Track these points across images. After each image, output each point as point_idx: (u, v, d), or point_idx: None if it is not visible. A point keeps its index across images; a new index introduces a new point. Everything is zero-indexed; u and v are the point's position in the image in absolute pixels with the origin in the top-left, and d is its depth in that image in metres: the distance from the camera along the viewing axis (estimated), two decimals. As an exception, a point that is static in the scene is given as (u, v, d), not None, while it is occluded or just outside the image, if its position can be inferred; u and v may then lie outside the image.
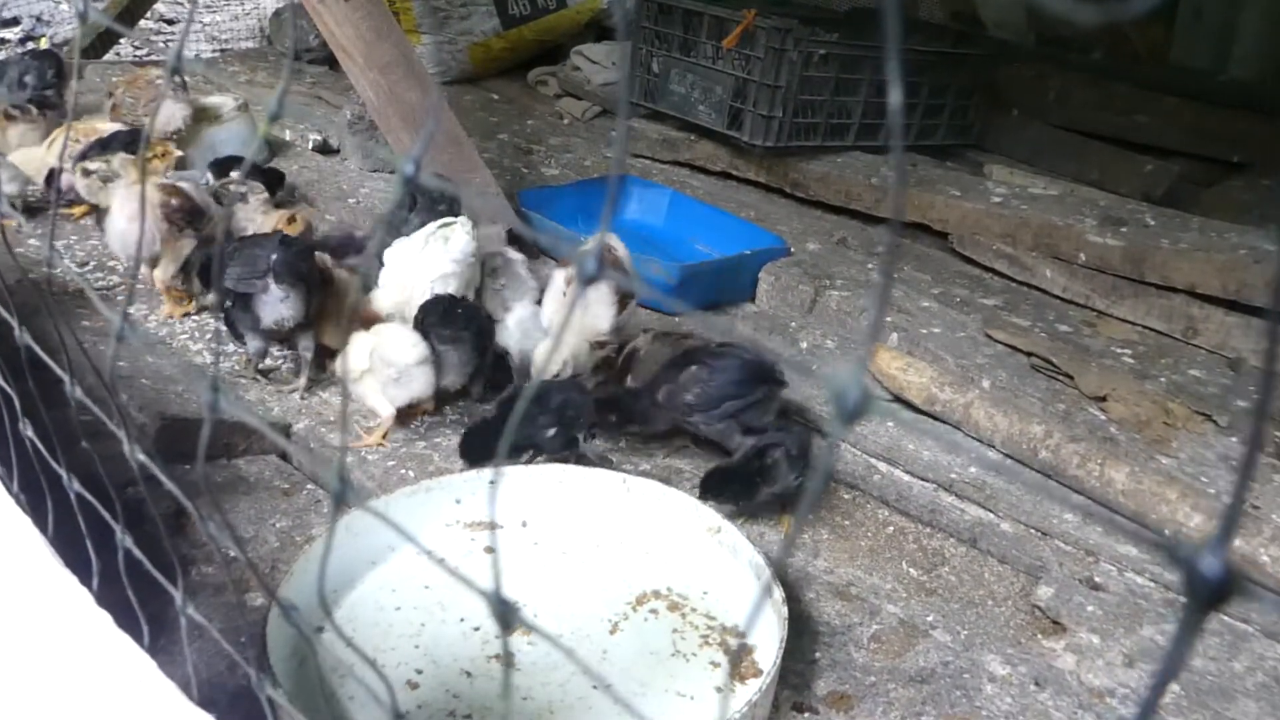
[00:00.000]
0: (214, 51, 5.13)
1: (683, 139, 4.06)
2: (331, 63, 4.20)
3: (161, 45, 5.65)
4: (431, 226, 2.58)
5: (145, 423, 2.14)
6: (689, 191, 3.75)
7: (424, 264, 2.46)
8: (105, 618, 0.64)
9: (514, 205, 3.25)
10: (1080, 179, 3.88)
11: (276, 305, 2.32)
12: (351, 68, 3.09)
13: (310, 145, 3.80)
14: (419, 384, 2.25)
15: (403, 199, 2.74)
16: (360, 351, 2.26)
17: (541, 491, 2.04)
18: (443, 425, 2.35)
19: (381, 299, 2.43)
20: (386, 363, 2.22)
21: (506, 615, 0.40)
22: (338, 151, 3.80)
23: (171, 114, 3.27)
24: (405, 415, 2.32)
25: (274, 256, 2.30)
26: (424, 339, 2.26)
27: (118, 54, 5.00)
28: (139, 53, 5.23)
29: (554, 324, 2.45)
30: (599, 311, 2.42)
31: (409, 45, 3.18)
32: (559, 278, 2.51)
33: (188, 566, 1.82)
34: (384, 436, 2.23)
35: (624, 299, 2.48)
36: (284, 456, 2.28)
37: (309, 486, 2.15)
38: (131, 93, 3.34)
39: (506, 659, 0.40)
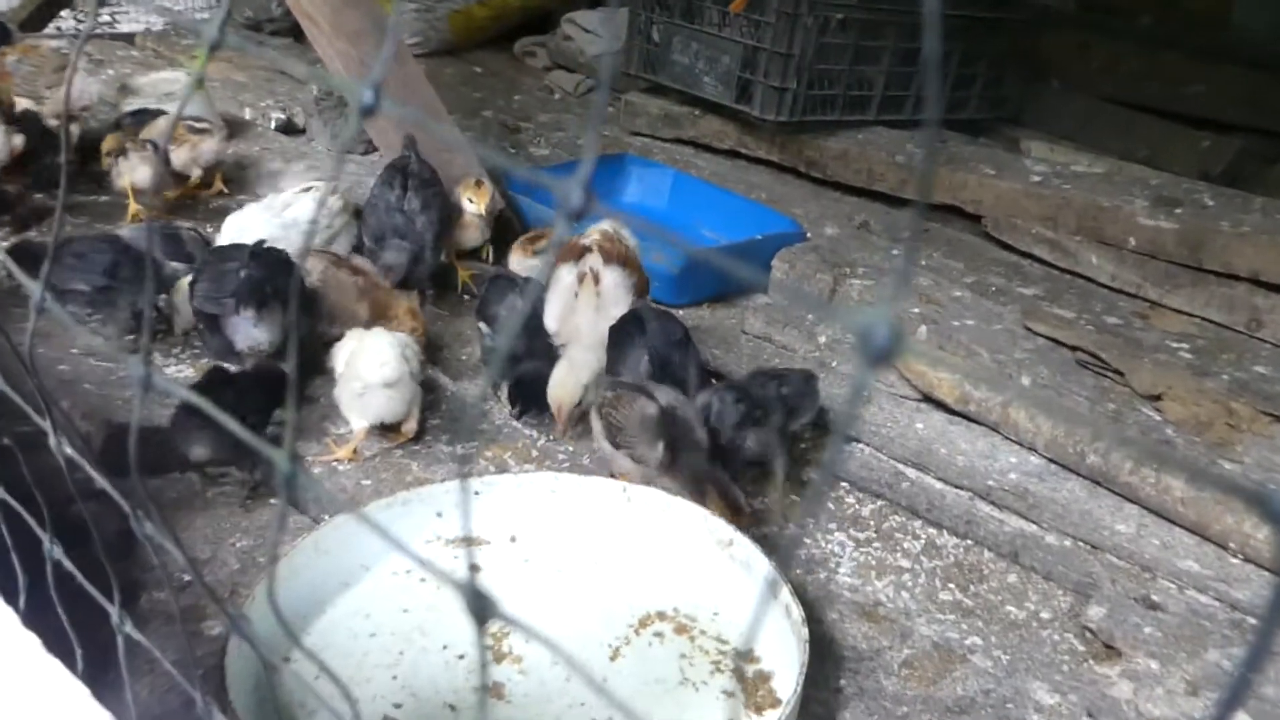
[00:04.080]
0: (165, 24, 5.12)
1: (686, 114, 4.04)
2: (297, 34, 4.18)
3: (108, 18, 5.63)
4: (289, 194, 2.78)
5: (90, 431, 2.12)
6: (694, 172, 3.74)
7: (258, 228, 2.57)
8: (33, 640, 0.62)
9: (500, 188, 3.23)
10: (1129, 156, 3.87)
11: (248, 329, 2.28)
12: (318, 37, 3.07)
13: (273, 125, 3.79)
14: (379, 406, 2.18)
15: (391, 180, 2.77)
16: (341, 354, 2.24)
17: (532, 502, 2.02)
18: (422, 430, 2.33)
19: None
20: (355, 374, 2.18)
21: (482, 608, 0.38)
22: (303, 132, 3.79)
23: (83, 89, 3.26)
24: (388, 433, 2.29)
25: (242, 273, 2.27)
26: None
27: (59, 28, 4.98)
28: (81, 26, 5.22)
29: (563, 330, 2.39)
30: (616, 308, 2.36)
31: (381, 12, 3.17)
32: (567, 276, 2.43)
33: (137, 592, 1.80)
34: (354, 452, 2.21)
35: (641, 291, 2.45)
36: (235, 460, 2.26)
37: (272, 501, 2.12)
38: (33, 61, 3.30)
39: (482, 659, 0.39)
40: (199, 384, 2.15)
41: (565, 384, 2.28)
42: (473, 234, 2.93)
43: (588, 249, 2.43)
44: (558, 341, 2.41)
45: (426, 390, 2.41)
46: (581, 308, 2.38)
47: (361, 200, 2.96)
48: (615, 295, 2.39)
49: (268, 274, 2.29)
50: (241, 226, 2.60)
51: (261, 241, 2.42)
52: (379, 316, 2.49)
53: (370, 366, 2.17)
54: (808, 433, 2.44)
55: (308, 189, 2.81)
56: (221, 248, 2.42)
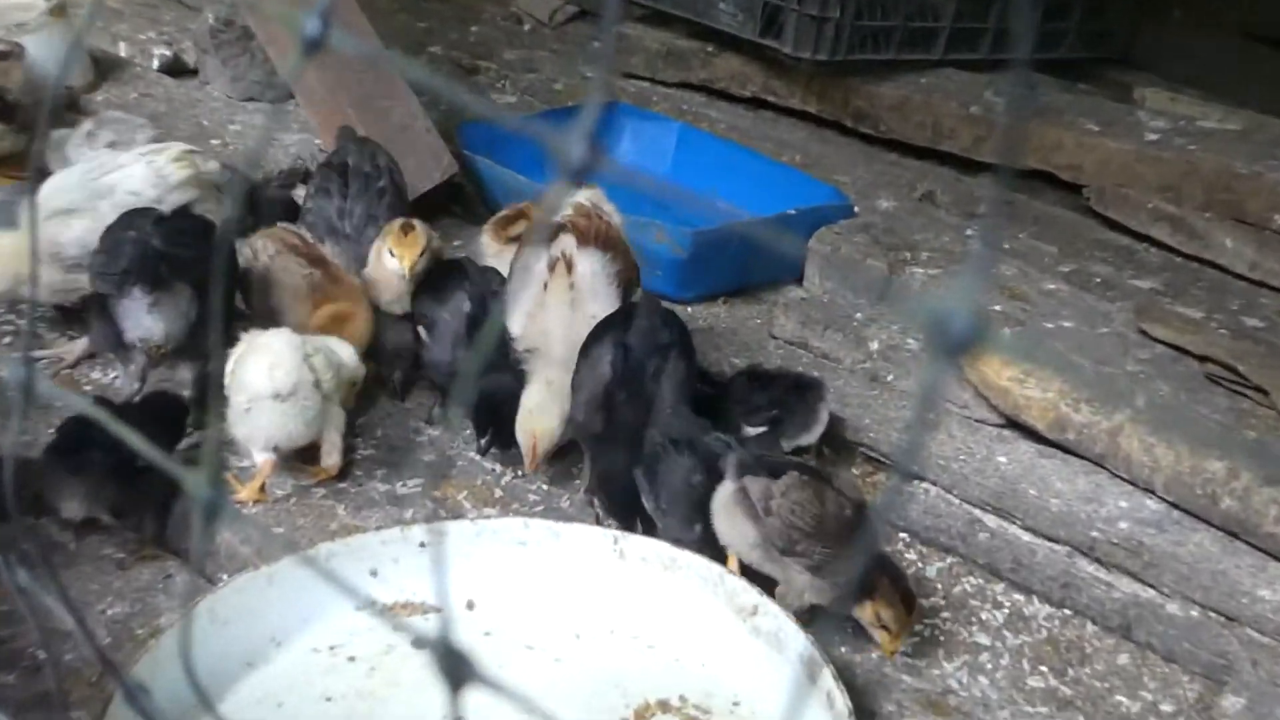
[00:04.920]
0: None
1: (696, 51, 4.06)
2: (186, -56, 4.20)
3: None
4: (131, 154, 2.67)
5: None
6: (705, 126, 3.75)
7: (67, 196, 2.49)
8: None
9: (452, 146, 3.24)
10: (1274, 108, 3.89)
11: (140, 317, 2.27)
12: (215, -52, 3.09)
13: (155, 63, 3.80)
14: (271, 426, 2.17)
15: (327, 186, 2.76)
16: (230, 363, 2.23)
17: (495, 557, 2.03)
18: (349, 463, 2.34)
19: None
20: (239, 385, 2.17)
21: (459, 671, 0.40)
22: (195, 72, 3.81)
23: None
24: (306, 467, 2.30)
25: (136, 244, 2.25)
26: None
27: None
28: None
29: (529, 333, 2.39)
30: (597, 303, 2.36)
31: (299, -84, 3.19)
32: (538, 264, 2.43)
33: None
34: (262, 489, 2.22)
35: (629, 281, 2.46)
36: (117, 515, 2.27)
37: (158, 556, 2.13)
38: None
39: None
40: (64, 429, 2.13)
41: (542, 416, 2.29)
42: (389, 297, 2.60)
43: (562, 228, 2.44)
44: (521, 347, 2.41)
45: (357, 411, 2.42)
46: (551, 305, 2.39)
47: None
48: (593, 288, 2.39)
49: (175, 246, 2.28)
50: (53, 190, 2.54)
51: (188, 206, 2.43)
52: (329, 325, 2.44)
53: (256, 373, 2.15)
54: (843, 457, 2.45)
55: (158, 150, 2.70)
56: (131, 211, 2.41)
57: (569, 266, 2.40)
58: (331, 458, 2.26)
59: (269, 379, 2.15)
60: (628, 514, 2.20)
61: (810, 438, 2.37)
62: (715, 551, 2.07)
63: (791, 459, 2.11)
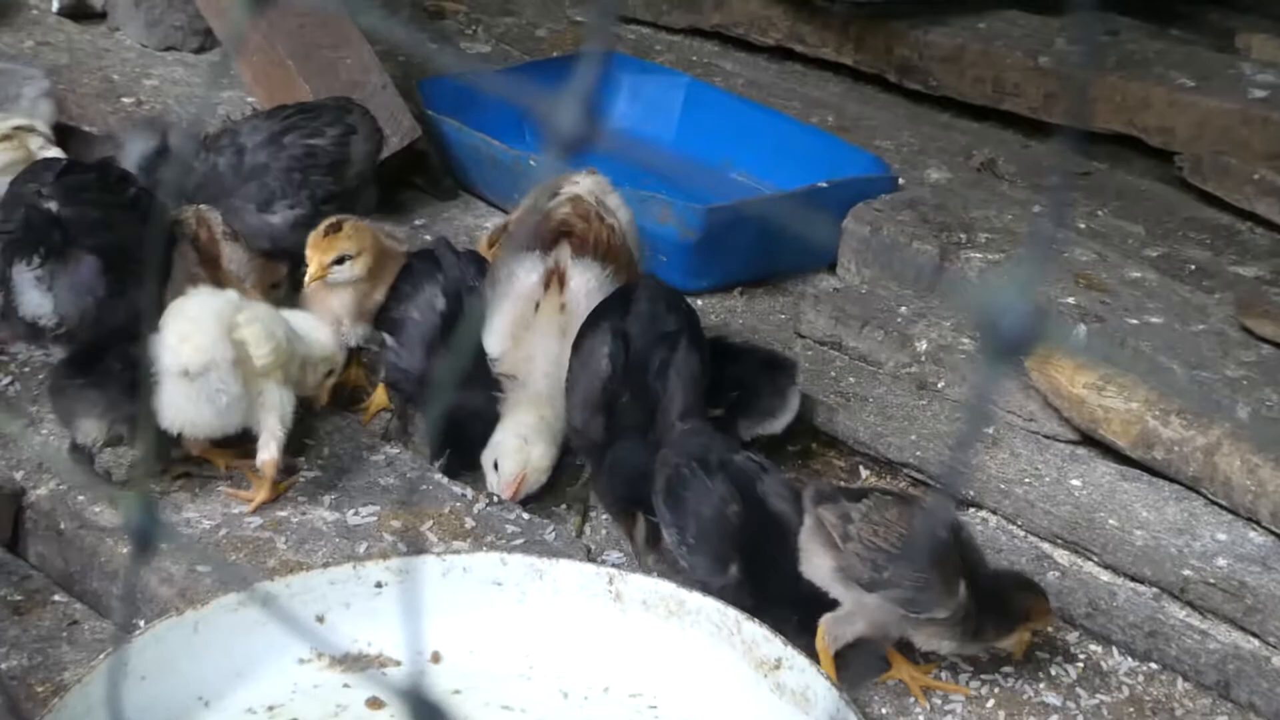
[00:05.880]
0: None
1: (708, -10, 4.07)
2: None
3: None
4: None
5: None
6: (719, 82, 3.75)
7: None
8: None
9: (413, 106, 3.24)
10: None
11: (29, 291, 2.29)
12: None
13: (55, 5, 3.81)
14: (178, 410, 2.18)
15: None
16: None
17: (467, 601, 2.04)
18: (291, 488, 2.36)
19: None
20: (166, 346, 2.18)
21: None
22: (103, 16, 3.81)
23: None
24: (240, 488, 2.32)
25: (26, 204, 2.28)
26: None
27: None
28: None
29: (509, 358, 2.42)
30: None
31: None
32: (527, 275, 2.47)
33: None
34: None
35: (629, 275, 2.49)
36: (11, 546, 2.27)
37: (57, 597, 2.15)
38: None
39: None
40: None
41: (535, 450, 2.34)
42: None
43: (565, 232, 2.46)
44: (497, 370, 2.42)
45: (298, 425, 2.41)
46: (539, 328, 2.42)
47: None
48: (588, 310, 2.42)
49: (77, 204, 2.30)
50: None
51: (109, 160, 2.45)
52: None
53: (166, 344, 2.17)
54: (834, 456, 2.46)
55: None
56: (43, 160, 2.43)
57: (561, 283, 2.41)
58: (268, 450, 2.27)
59: (175, 354, 2.16)
60: (629, 507, 2.23)
61: (775, 426, 2.41)
62: (753, 597, 2.09)
63: (873, 487, 2.14)
